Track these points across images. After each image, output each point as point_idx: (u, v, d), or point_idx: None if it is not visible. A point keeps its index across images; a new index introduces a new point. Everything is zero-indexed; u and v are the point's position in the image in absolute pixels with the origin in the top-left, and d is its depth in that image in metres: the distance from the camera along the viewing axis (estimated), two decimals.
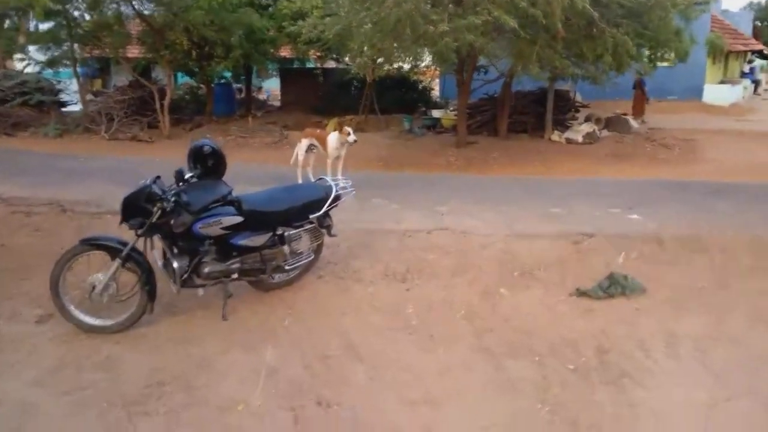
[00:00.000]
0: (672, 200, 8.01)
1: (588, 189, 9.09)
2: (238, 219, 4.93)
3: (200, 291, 5.07)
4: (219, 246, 5.00)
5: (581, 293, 5.28)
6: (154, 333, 4.92)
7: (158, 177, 4.84)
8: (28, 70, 19.02)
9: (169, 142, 15.33)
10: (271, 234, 5.21)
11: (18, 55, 19.82)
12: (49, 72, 18.44)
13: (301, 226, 5.37)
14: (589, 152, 13.60)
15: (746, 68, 30.74)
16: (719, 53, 23.47)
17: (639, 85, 18.16)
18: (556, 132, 14.92)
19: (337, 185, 5.55)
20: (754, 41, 29.84)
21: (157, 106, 15.95)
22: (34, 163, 11.32)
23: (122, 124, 16.12)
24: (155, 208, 4.62)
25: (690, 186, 9.21)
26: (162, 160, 12.20)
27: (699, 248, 6.03)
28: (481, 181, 10.21)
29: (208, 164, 4.98)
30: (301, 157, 9.28)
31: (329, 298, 5.44)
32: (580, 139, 14.50)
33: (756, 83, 30.23)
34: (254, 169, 11.23)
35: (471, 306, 5.22)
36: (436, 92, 22.20)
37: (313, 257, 5.61)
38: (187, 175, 4.84)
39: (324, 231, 5.53)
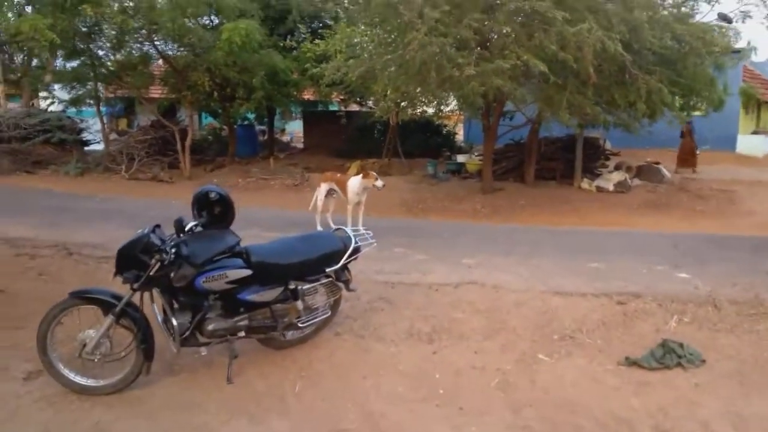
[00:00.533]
0: (719, 257, 7.38)
1: (627, 242, 8.49)
2: (246, 272, 4.42)
3: (203, 350, 4.53)
4: (225, 301, 4.48)
5: (631, 362, 4.64)
6: (151, 396, 4.37)
7: (158, 226, 4.36)
8: (52, 108, 19.03)
9: (190, 183, 15.03)
10: (282, 288, 4.68)
11: (43, 94, 19.92)
12: (72, 111, 18.44)
13: (317, 279, 4.84)
14: (621, 202, 12.97)
15: None
16: (752, 103, 22.86)
17: (688, 133, 16.89)
18: (585, 180, 14.34)
19: (356, 236, 5.04)
20: None
21: (179, 146, 15.70)
22: (49, 202, 11.01)
23: (143, 164, 15.97)
24: (153, 260, 4.12)
25: (735, 241, 8.58)
26: (179, 202, 11.81)
27: (760, 313, 5.39)
28: (510, 231, 9.63)
29: (214, 212, 4.50)
30: (320, 203, 8.82)
31: (347, 360, 4.87)
32: (611, 187, 13.89)
33: None
34: (272, 214, 10.82)
35: (506, 374, 4.61)
36: (460, 136, 21.82)
37: (329, 314, 5.06)
38: (190, 224, 4.37)
39: (341, 285, 5.00)
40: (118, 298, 4.23)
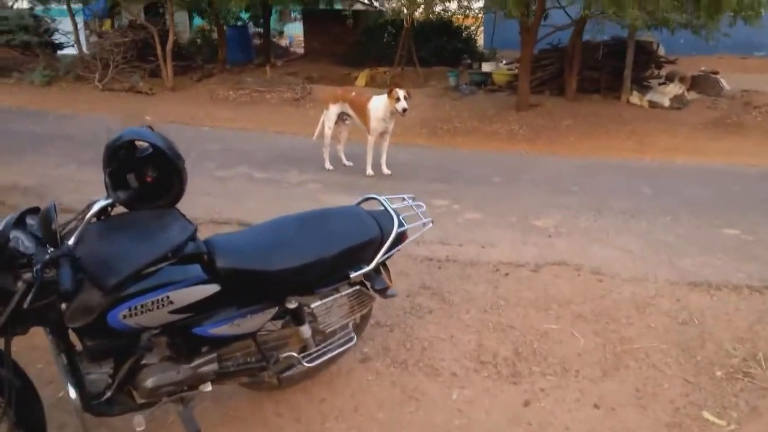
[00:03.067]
0: None
1: (743, 186, 6.34)
2: (209, 289, 2.35)
3: (139, 420, 2.49)
4: (173, 337, 2.46)
5: None
6: None
7: (34, 209, 2.24)
8: (18, 6, 16.37)
9: (173, 94, 12.80)
10: (275, 308, 2.64)
11: None
12: (54, 10, 15.77)
13: (335, 289, 2.78)
14: (681, 120, 10.71)
15: None
16: None
17: None
18: (635, 93, 11.99)
19: (397, 213, 2.91)
20: None
21: (159, 51, 13.25)
22: None
23: (120, 72, 13.56)
24: (18, 284, 2.04)
25: None
26: (156, 122, 9.63)
27: None
28: (575, 168, 7.41)
29: (146, 178, 2.38)
30: (328, 130, 6.62)
31: (380, 414, 2.88)
32: (666, 102, 11.58)
33: None
34: (267, 141, 8.61)
35: None
36: (481, 41, 19.03)
37: (353, 340, 3.02)
38: (99, 203, 2.27)
39: (374, 294, 2.93)
40: None
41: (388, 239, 2.76)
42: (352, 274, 2.70)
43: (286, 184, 6.21)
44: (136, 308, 2.18)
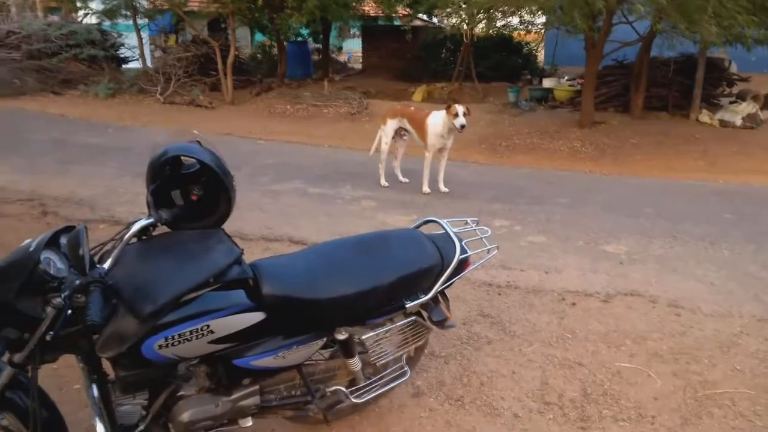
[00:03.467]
0: None
1: None
2: (254, 318, 2.16)
3: None
4: (212, 367, 2.27)
5: None
6: None
7: (69, 228, 2.09)
8: (86, 21, 16.86)
9: (232, 108, 12.89)
10: (324, 339, 2.43)
11: (79, 4, 17.71)
12: (121, 25, 16.21)
13: (390, 319, 2.55)
14: (754, 141, 10.10)
15: None
16: None
17: None
18: (705, 111, 11.42)
19: (459, 238, 2.66)
20: None
21: (219, 65, 13.39)
22: (50, 133, 8.93)
23: (181, 86, 13.75)
24: (48, 309, 1.89)
25: None
26: (209, 137, 9.65)
27: None
28: (644, 188, 7.03)
29: (190, 196, 2.22)
30: (385, 146, 6.42)
31: None
32: (738, 122, 10.98)
33: None
34: (322, 155, 8.50)
35: None
36: (541, 57, 18.61)
37: (407, 373, 2.78)
38: (140, 223, 2.11)
39: (431, 325, 2.68)
40: None
41: (448, 267, 2.51)
42: (409, 304, 2.47)
43: (339, 200, 6.03)
44: (173, 338, 2.00)
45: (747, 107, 11.32)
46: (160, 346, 1.98)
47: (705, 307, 3.64)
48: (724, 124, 11.09)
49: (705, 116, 11.34)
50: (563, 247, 4.69)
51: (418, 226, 2.78)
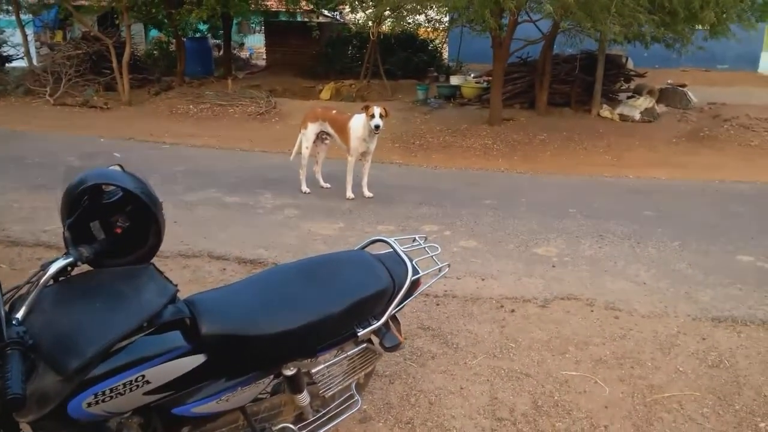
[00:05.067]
0: None
1: (742, 206, 6.19)
2: (193, 362, 1.92)
3: None
4: (147, 417, 2.02)
5: None
6: None
7: None
8: None
9: (129, 110, 12.22)
10: (271, 376, 2.22)
11: None
12: (3, 21, 15.01)
13: (342, 349, 2.38)
14: (653, 134, 10.62)
15: None
16: None
17: None
18: (605, 107, 11.89)
19: (409, 258, 2.51)
20: None
21: (114, 63, 12.63)
22: None
23: (72, 86, 12.87)
24: None
25: None
26: (109, 141, 9.09)
27: None
28: (563, 186, 7.21)
29: (114, 229, 1.95)
30: (306, 150, 6.20)
31: None
32: (637, 116, 11.51)
33: None
34: (236, 159, 8.14)
35: None
36: (446, 54, 18.77)
37: (358, 402, 2.61)
38: (58, 264, 1.82)
39: (381, 350, 2.52)
40: None
41: (400, 289, 2.37)
42: (360, 332, 2.30)
43: (260, 209, 5.75)
44: (104, 393, 1.75)
45: (644, 102, 11.89)
46: (90, 404, 1.73)
47: (641, 309, 3.69)
48: (623, 118, 11.60)
49: (606, 111, 11.81)
50: (495, 251, 4.67)
51: (365, 246, 2.61)
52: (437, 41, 17.10)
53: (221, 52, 18.77)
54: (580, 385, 3.04)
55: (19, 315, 1.68)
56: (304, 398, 2.34)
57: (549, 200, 6.45)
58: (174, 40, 16.16)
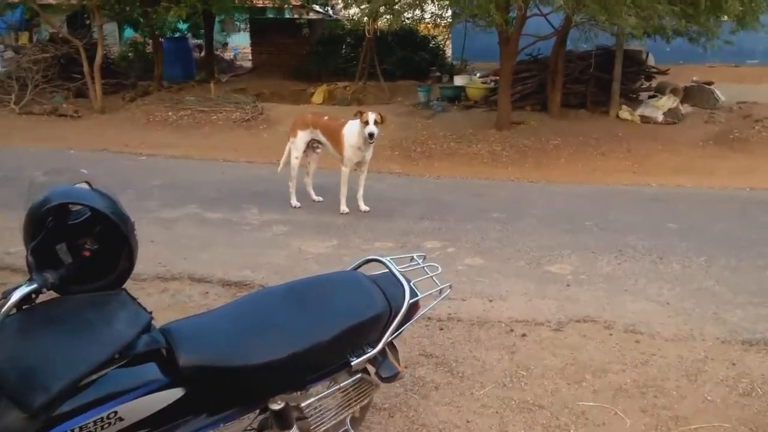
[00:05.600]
0: None
1: None
2: (170, 396, 1.94)
3: None
4: None
5: None
6: None
7: None
8: None
9: (102, 117, 12.36)
10: (257, 411, 2.24)
11: None
12: None
13: (333, 379, 2.39)
14: (678, 137, 10.68)
15: None
16: None
17: None
18: (625, 107, 11.96)
19: (407, 279, 2.53)
20: None
21: (85, 67, 12.72)
22: None
23: (39, 93, 13.02)
24: None
25: None
26: (80, 153, 9.14)
27: None
28: (578, 196, 7.29)
29: (81, 252, 1.97)
30: (295, 160, 6.24)
31: None
32: (660, 117, 11.56)
33: None
34: (219, 172, 8.18)
35: None
36: (449, 52, 18.91)
37: None
38: (21, 291, 1.85)
39: (377, 381, 2.53)
40: None
41: (397, 313, 2.39)
42: (354, 361, 2.32)
43: (246, 226, 5.80)
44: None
45: (667, 102, 11.94)
46: None
47: (664, 332, 3.71)
48: (645, 120, 11.64)
49: (625, 112, 11.87)
50: (504, 269, 4.70)
51: (358, 267, 2.64)
52: (439, 38, 17.25)
53: (202, 54, 18.94)
54: (598, 416, 3.05)
55: None
56: None
57: (563, 212, 6.50)
58: (151, 41, 16.30)
